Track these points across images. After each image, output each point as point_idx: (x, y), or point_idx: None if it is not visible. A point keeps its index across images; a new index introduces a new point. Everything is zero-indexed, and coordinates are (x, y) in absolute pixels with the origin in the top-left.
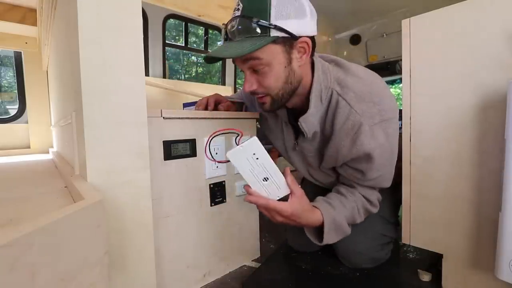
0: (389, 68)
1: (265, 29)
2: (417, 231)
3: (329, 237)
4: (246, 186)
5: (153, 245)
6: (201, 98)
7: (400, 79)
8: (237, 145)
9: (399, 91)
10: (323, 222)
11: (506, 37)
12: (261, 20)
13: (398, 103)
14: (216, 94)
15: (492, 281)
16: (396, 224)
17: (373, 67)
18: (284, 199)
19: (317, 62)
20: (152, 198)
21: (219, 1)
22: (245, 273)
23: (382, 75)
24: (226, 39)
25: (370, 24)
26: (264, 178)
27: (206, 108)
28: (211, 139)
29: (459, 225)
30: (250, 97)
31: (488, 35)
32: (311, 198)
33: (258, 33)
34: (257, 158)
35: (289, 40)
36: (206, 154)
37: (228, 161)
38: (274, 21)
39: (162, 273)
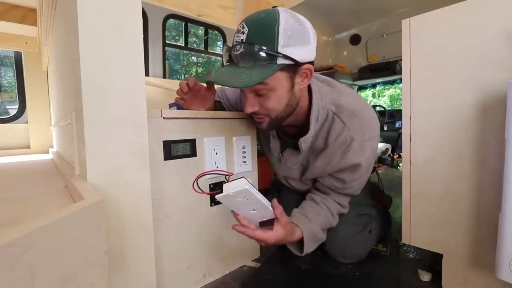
0: (389, 68)
1: (273, 58)
2: (417, 231)
3: (308, 248)
4: (234, 213)
5: (153, 245)
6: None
7: (400, 79)
8: (227, 182)
9: (399, 91)
10: (302, 237)
11: (506, 37)
12: (269, 49)
13: (398, 103)
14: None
15: (492, 281)
16: (377, 203)
17: (373, 67)
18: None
19: (313, 84)
20: (152, 198)
21: (219, 1)
22: (245, 273)
23: (382, 75)
24: (229, 61)
25: (370, 24)
26: (253, 209)
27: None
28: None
29: (459, 225)
30: (232, 97)
31: (488, 35)
32: (288, 203)
33: (266, 61)
34: (247, 200)
35: (294, 66)
36: (194, 188)
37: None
38: (281, 49)
39: (162, 273)
